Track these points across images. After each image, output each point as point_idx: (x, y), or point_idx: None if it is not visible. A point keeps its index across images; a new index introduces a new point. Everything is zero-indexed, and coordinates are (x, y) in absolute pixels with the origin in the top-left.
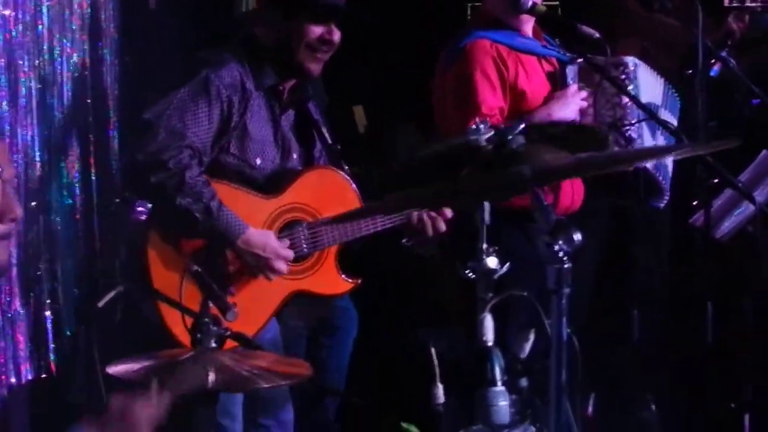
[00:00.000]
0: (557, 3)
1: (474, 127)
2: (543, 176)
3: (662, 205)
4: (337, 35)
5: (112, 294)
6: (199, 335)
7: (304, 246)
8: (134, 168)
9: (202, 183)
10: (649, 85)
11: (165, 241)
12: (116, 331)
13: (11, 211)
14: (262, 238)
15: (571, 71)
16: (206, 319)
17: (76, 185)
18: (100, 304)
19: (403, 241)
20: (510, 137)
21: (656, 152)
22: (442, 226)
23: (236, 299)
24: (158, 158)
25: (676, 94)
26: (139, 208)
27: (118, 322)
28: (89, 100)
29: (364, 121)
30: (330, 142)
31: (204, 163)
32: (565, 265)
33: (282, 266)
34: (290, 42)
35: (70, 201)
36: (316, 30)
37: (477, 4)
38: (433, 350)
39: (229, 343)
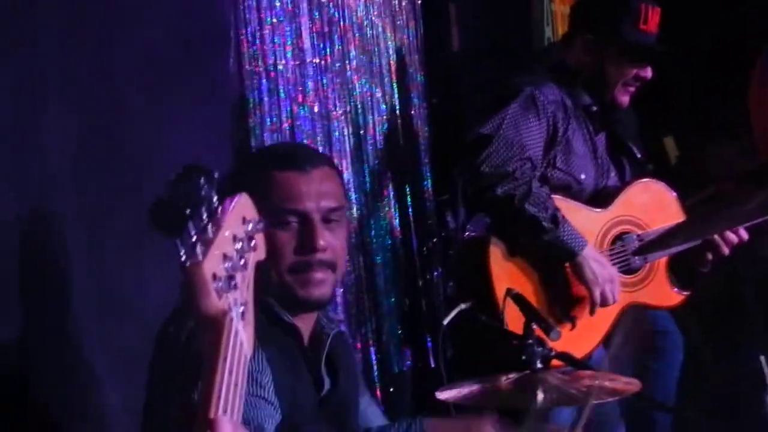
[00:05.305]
0: None
1: None
2: None
3: None
4: (650, 72)
5: (456, 311)
6: (524, 357)
7: (636, 258)
8: (479, 181)
9: (546, 194)
10: None
11: (505, 256)
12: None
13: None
14: (599, 259)
15: None
16: (531, 341)
17: (395, 224)
18: (445, 321)
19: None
20: None
21: None
22: (726, 251)
23: (573, 316)
24: (504, 169)
25: None
26: (468, 232)
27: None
28: (401, 142)
29: (676, 152)
30: (642, 163)
31: (536, 176)
32: None
33: (611, 294)
34: (607, 79)
35: (390, 240)
36: (633, 70)
37: None
38: (762, 359)
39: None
